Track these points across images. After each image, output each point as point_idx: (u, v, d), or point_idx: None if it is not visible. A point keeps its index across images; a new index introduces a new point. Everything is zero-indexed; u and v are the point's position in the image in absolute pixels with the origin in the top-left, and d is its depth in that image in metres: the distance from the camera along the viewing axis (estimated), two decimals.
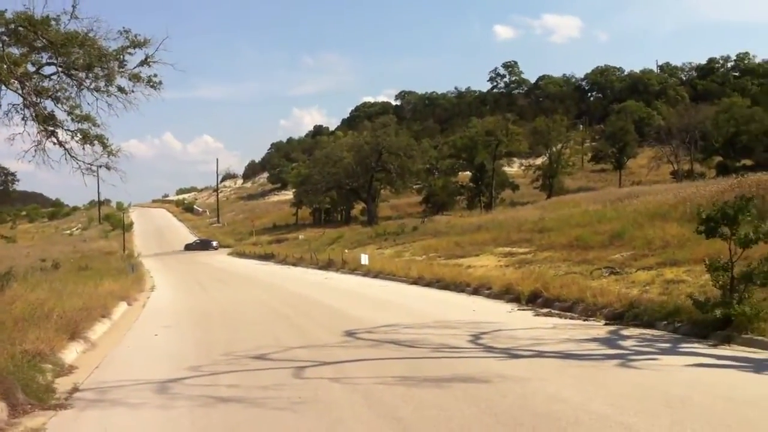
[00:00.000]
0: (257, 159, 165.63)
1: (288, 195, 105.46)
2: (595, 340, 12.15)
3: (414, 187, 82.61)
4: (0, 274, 20.60)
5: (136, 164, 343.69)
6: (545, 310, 16.75)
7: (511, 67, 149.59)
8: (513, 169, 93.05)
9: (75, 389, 9.45)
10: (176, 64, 19.80)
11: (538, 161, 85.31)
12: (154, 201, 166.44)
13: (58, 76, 18.69)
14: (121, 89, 18.85)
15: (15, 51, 17.50)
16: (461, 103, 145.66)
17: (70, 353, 12.17)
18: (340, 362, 10.82)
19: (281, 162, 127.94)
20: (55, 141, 18.73)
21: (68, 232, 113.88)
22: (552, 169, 77.85)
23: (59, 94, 18.38)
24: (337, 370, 10.16)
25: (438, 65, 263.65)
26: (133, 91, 18.98)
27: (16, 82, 17.48)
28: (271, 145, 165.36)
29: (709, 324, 11.83)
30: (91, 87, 18.63)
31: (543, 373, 9.38)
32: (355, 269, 35.45)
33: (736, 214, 11.71)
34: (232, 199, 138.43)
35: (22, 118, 18.57)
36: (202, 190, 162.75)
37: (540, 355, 10.89)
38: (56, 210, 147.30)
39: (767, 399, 7.77)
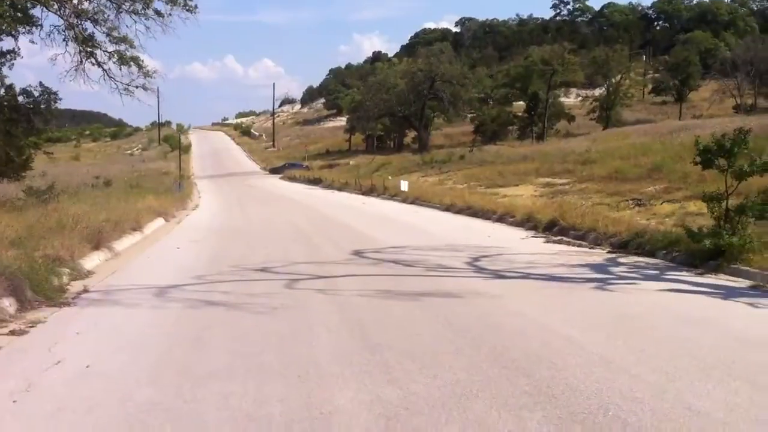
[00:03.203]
0: (315, 85, 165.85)
1: (342, 121, 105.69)
2: (588, 265, 12.46)
3: (468, 115, 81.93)
4: (44, 189, 21.71)
5: (199, 87, 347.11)
6: (558, 238, 17.02)
7: None
8: (570, 99, 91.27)
9: (84, 291, 10.28)
10: None
11: (597, 92, 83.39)
12: (213, 124, 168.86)
13: None
14: (157, 12, 19.45)
15: None
16: (522, 31, 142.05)
17: (92, 260, 13.04)
18: (333, 276, 11.46)
19: (337, 88, 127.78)
20: (94, 61, 19.57)
21: (129, 152, 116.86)
22: (609, 100, 75.94)
23: (98, 16, 19.07)
24: (327, 283, 10.78)
25: None
26: (170, 15, 19.58)
27: (56, 3, 18.20)
28: (330, 71, 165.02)
29: (702, 254, 12.00)
30: (130, 10, 19.25)
31: (517, 292, 9.83)
32: (395, 195, 35.92)
33: (732, 146, 11.73)
34: (289, 124, 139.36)
35: (63, 39, 19.41)
36: (260, 114, 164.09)
37: (526, 276, 11.30)
38: (119, 130, 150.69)
39: (710, 320, 8.06)
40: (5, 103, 22.06)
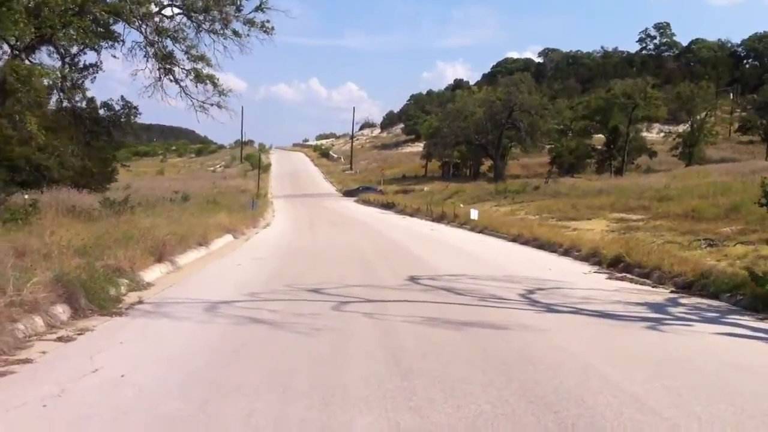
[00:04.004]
0: (396, 110, 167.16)
1: (420, 147, 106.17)
2: (646, 304, 12.11)
3: (546, 146, 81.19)
4: (119, 201, 22.52)
5: (283, 108, 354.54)
6: (621, 275, 16.60)
7: (663, 28, 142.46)
8: (653, 134, 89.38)
9: (139, 302, 10.63)
10: (287, 11, 20.95)
11: (680, 128, 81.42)
12: (294, 145, 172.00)
13: (179, 18, 20.12)
14: (235, 32, 20.08)
15: None
16: (606, 63, 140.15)
17: (153, 272, 13.47)
18: (384, 301, 11.50)
19: (417, 113, 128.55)
20: (172, 78, 20.27)
21: (212, 168, 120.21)
22: (693, 137, 74.21)
23: (177, 34, 19.80)
24: (376, 307, 10.80)
25: (586, 24, 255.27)
26: (248, 35, 20.20)
27: (137, 20, 18.99)
28: (410, 96, 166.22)
29: (766, 298, 11.52)
30: (209, 29, 19.93)
31: (564, 327, 9.62)
32: (464, 223, 35.78)
33: None
34: (367, 148, 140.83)
35: (144, 56, 20.22)
36: (339, 136, 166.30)
37: (578, 312, 11.05)
38: (204, 147, 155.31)
39: (759, 367, 7.69)
40: (86, 116, 23.03)
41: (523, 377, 6.81)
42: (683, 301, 12.80)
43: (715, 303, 12.54)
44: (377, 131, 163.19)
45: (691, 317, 11.02)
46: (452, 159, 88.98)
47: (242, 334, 8.54)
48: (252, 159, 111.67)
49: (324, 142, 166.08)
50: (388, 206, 58.58)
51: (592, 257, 19.66)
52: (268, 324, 9.15)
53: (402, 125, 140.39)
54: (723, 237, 22.61)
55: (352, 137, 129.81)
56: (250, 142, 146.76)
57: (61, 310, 8.87)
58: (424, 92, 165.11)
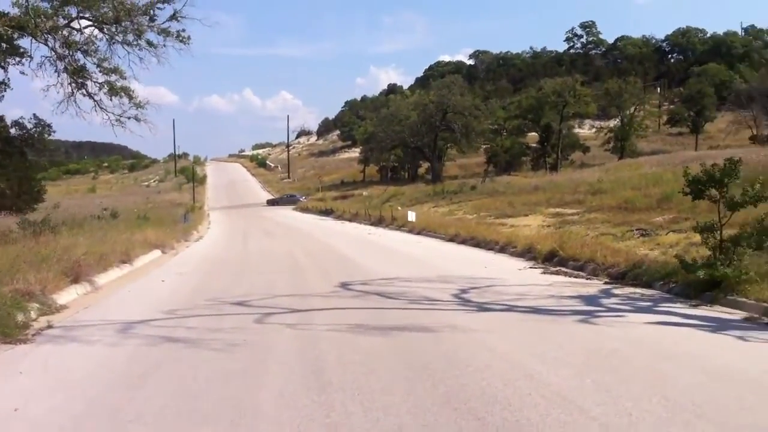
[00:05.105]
0: (332, 117, 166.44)
1: (357, 153, 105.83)
2: (579, 297, 11.95)
3: (482, 147, 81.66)
4: (39, 221, 21.45)
5: (217, 119, 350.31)
6: (556, 269, 16.51)
7: (588, 27, 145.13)
8: (584, 131, 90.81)
9: (48, 326, 9.89)
10: (204, 19, 20.30)
11: (611, 123, 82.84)
12: (230, 156, 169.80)
13: (90, 30, 19.26)
14: (150, 43, 19.33)
15: (45, 4, 18.07)
16: (536, 63, 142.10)
17: (68, 294, 12.68)
18: (310, 310, 11.04)
19: (352, 120, 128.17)
20: (85, 92, 19.39)
21: (146, 183, 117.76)
22: (624, 131, 75.47)
23: (88, 47, 18.95)
24: (301, 317, 10.34)
25: (514, 25, 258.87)
26: (164, 45, 19.47)
27: (43, 35, 18.09)
28: (345, 102, 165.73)
29: (697, 285, 11.47)
30: (122, 41, 19.14)
31: (495, 326, 9.33)
32: (402, 225, 35.57)
33: (722, 177, 11.30)
34: (304, 156, 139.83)
35: (55, 71, 19.30)
36: (276, 145, 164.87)
37: (510, 309, 10.80)
38: (137, 162, 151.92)
39: (691, 355, 7.51)
40: None
41: (449, 383, 6.44)
42: (616, 291, 12.71)
43: (648, 292, 12.48)
44: (314, 139, 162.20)
45: (623, 308, 10.86)
46: (390, 163, 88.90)
47: (153, 355, 7.97)
48: (186, 172, 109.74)
49: (260, 151, 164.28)
50: (326, 212, 58.10)
51: (528, 253, 19.58)
52: (183, 342, 8.58)
53: (338, 132, 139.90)
54: (656, 226, 22.79)
55: (287, 146, 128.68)
56: (185, 155, 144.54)
57: None
58: (359, 98, 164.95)
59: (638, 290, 12.66)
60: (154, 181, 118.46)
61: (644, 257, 14.91)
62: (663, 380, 6.43)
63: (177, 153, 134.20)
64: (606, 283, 13.90)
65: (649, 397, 5.86)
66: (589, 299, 11.75)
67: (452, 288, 13.18)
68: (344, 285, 14.05)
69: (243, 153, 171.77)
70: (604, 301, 11.63)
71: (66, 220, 27.58)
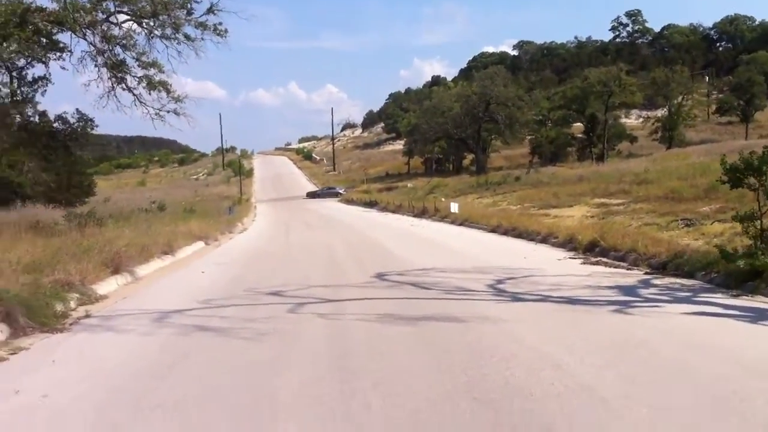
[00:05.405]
0: (376, 109, 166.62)
1: (401, 145, 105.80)
2: (617, 287, 11.72)
3: (527, 138, 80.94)
4: (84, 214, 21.87)
5: (263, 113, 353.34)
6: (596, 259, 16.24)
7: (634, 15, 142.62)
8: (632, 120, 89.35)
9: (86, 316, 10.14)
10: (240, 12, 20.45)
11: (658, 113, 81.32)
12: (276, 149, 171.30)
13: (128, 24, 19.53)
14: (187, 36, 19.51)
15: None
16: (581, 53, 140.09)
17: (108, 285, 12.95)
18: (343, 300, 11.05)
19: (396, 112, 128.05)
20: (125, 87, 19.68)
21: (194, 177, 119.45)
22: (672, 121, 74.07)
23: (127, 41, 19.21)
24: (333, 307, 10.36)
25: (558, 15, 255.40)
26: (202, 39, 19.64)
27: (83, 29, 18.38)
28: (389, 95, 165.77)
29: (738, 275, 11.16)
30: (161, 35, 19.36)
31: (526, 317, 9.22)
32: (445, 217, 35.47)
33: (761, 164, 10.97)
34: (349, 148, 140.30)
35: (95, 65, 19.63)
36: (321, 138, 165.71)
37: (545, 299, 10.65)
38: (186, 156, 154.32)
39: (723, 346, 7.27)
40: (41, 131, 22.35)
41: (473, 373, 6.38)
42: (656, 281, 12.43)
43: (689, 282, 12.18)
44: (358, 131, 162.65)
45: (661, 298, 10.62)
46: (434, 155, 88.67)
47: (183, 345, 8.07)
48: (234, 165, 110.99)
49: (306, 144, 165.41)
50: (370, 204, 58.20)
51: (569, 243, 19.31)
52: (214, 332, 8.68)
53: (382, 124, 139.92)
54: (702, 216, 22.30)
55: (333, 138, 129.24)
56: (232, 149, 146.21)
57: None
58: (403, 90, 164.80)
59: (679, 280, 12.37)
60: (203, 175, 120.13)
61: (686, 247, 14.58)
62: (690, 372, 6.26)
63: (225, 147, 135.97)
64: (646, 273, 13.62)
65: (672, 388, 5.72)
66: (626, 290, 11.52)
67: (488, 278, 13.05)
68: (380, 276, 14.03)
69: (289, 146, 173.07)
70: (642, 291, 11.39)
71: (113, 213, 28.12)
